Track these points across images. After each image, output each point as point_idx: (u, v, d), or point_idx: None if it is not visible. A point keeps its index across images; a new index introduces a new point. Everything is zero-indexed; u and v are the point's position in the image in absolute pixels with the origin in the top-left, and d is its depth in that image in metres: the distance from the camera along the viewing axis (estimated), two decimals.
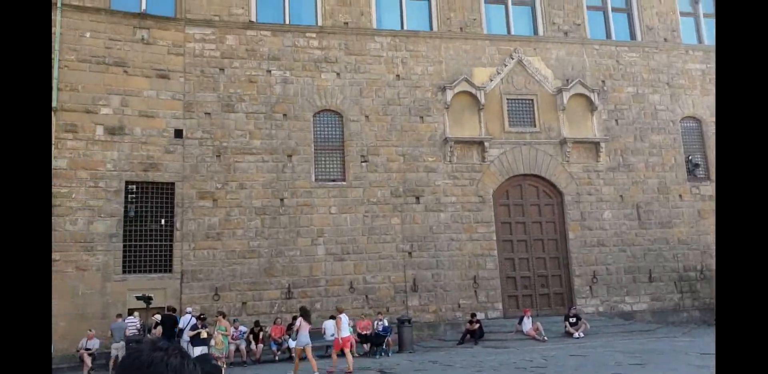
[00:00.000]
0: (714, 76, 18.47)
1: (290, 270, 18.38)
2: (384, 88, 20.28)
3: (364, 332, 17.28)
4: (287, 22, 20.22)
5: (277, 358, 16.64)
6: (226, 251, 18.09)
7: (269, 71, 19.52)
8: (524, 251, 20.61)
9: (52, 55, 17.31)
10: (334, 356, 14.55)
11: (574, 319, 18.57)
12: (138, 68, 18.31)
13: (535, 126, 21.18)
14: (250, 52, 19.50)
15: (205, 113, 18.77)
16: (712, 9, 22.97)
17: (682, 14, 23.78)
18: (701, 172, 22.32)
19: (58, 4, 17.67)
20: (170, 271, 17.72)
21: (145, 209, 17.96)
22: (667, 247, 21.30)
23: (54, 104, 17.13)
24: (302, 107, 19.55)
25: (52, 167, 16.86)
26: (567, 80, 21.59)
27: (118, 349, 15.64)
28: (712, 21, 22.53)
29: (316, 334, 16.09)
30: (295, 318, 14.87)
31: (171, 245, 17.87)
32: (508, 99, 21.14)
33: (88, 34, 17.97)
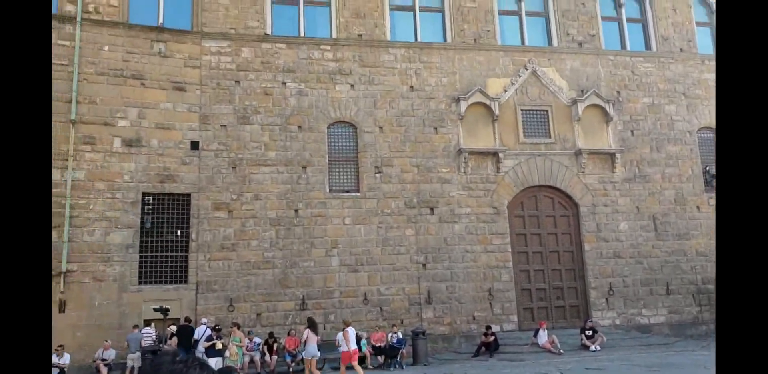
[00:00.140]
0: None
1: (304, 281, 18.40)
2: (398, 100, 20.35)
3: (378, 344, 17.22)
4: (302, 34, 20.41)
5: (291, 370, 16.62)
6: (241, 262, 18.17)
7: (284, 83, 19.69)
8: (539, 262, 20.46)
9: (71, 69, 17.63)
10: (343, 369, 14.51)
11: (591, 332, 18.38)
12: (155, 81, 18.55)
13: (549, 137, 21.12)
14: (265, 64, 19.69)
15: (221, 125, 18.95)
16: None
17: (698, 24, 23.66)
18: None
19: (78, 19, 18.01)
20: (186, 282, 17.82)
21: (162, 220, 18.11)
22: (684, 259, 21.06)
23: (72, 116, 17.40)
24: (316, 119, 19.67)
25: (71, 178, 17.11)
26: (582, 91, 21.53)
27: (133, 360, 15.73)
28: None
29: (331, 346, 16.09)
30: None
31: (186, 256, 17.98)
32: (522, 110, 21.12)
33: (106, 48, 18.26)
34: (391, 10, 21.31)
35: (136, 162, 17.91)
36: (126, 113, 18.09)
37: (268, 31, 20.09)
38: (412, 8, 21.57)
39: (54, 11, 17.90)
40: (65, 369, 15.26)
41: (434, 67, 20.85)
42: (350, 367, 14.37)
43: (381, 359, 17.10)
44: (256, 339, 16.99)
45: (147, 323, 16.78)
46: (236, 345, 15.72)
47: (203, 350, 15.27)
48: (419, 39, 21.25)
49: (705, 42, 23.45)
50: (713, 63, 22.82)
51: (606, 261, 20.55)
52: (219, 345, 15.05)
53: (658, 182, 21.53)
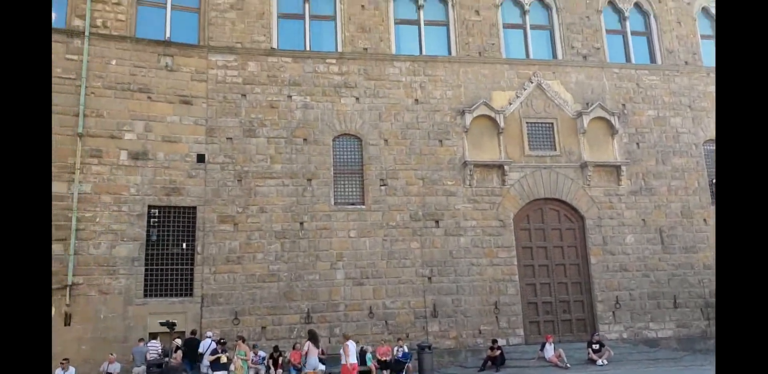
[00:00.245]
0: None
1: (309, 295, 18.35)
2: (403, 113, 20.41)
3: (384, 358, 17.12)
4: (308, 48, 20.54)
5: None
6: (246, 274, 18.15)
7: (290, 97, 19.79)
8: (546, 276, 20.36)
9: (79, 83, 17.78)
10: None
11: (597, 346, 18.24)
12: (162, 94, 18.67)
13: (555, 149, 21.11)
14: (271, 78, 19.81)
15: (227, 138, 19.03)
16: None
17: (703, 37, 23.71)
18: None
19: (86, 33, 18.19)
20: (191, 295, 17.80)
21: (167, 233, 18.12)
22: (692, 272, 20.92)
23: (80, 129, 17.51)
24: (322, 132, 19.73)
25: (77, 191, 17.17)
26: (587, 104, 21.55)
27: (139, 373, 15.68)
28: None
29: (336, 360, 16.01)
30: None
31: (192, 269, 17.98)
32: (527, 122, 21.14)
33: (113, 62, 18.42)
34: (396, 23, 21.45)
35: (142, 175, 17.98)
36: (133, 126, 18.19)
37: (274, 45, 20.23)
38: (416, 22, 21.70)
39: (62, 26, 18.09)
40: None
41: (439, 80, 20.92)
42: None
43: (387, 373, 16.99)
44: (261, 353, 16.92)
45: (153, 336, 16.76)
46: (241, 359, 15.63)
47: (208, 364, 15.23)
48: (424, 52, 21.35)
49: (710, 55, 23.47)
50: None
51: (612, 274, 20.44)
52: (223, 359, 14.98)
53: (664, 194, 21.46)
